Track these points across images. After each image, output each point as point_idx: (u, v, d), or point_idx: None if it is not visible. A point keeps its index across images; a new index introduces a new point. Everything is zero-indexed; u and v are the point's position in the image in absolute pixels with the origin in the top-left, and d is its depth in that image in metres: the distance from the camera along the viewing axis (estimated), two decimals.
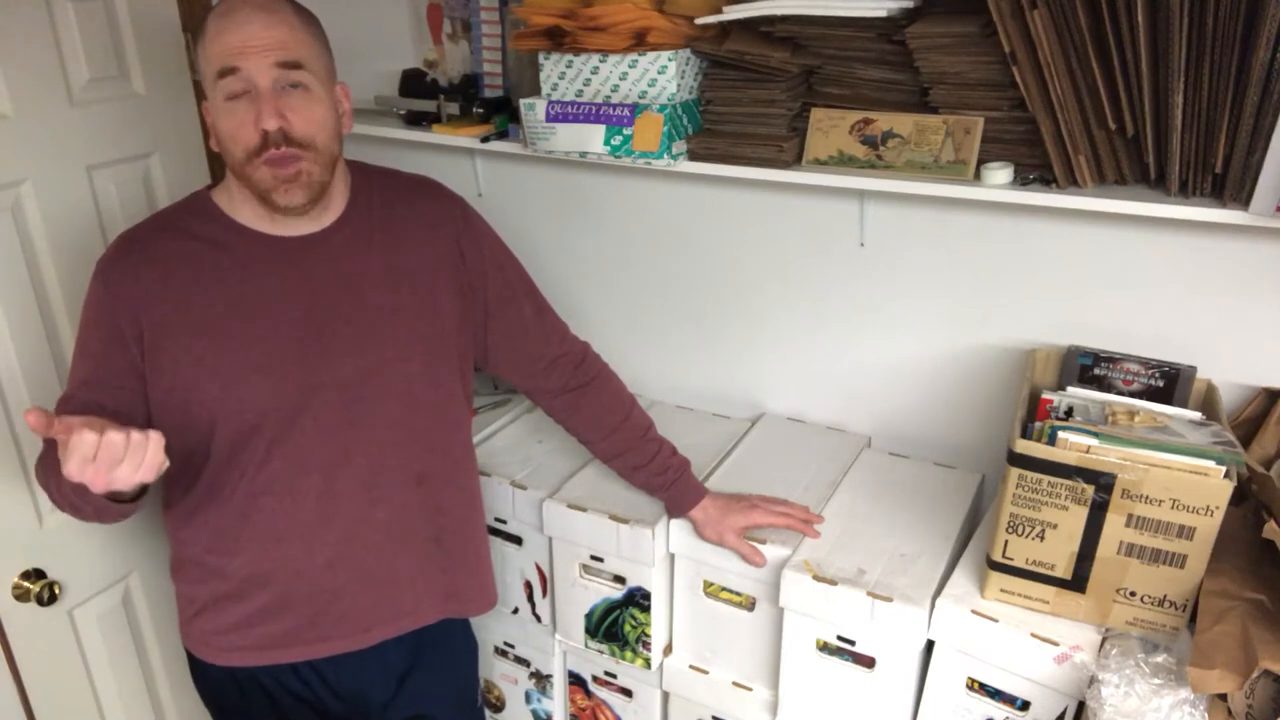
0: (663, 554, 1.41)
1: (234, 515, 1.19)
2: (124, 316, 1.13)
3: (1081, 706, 1.10)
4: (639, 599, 1.43)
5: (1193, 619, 1.05)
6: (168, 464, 0.98)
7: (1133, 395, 1.24)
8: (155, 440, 0.95)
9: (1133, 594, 1.10)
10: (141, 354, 1.14)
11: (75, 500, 1.09)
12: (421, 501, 1.28)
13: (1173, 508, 1.04)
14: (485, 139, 1.58)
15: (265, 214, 1.16)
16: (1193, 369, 1.22)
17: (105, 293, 1.14)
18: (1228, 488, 1.02)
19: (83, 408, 1.13)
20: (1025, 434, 1.14)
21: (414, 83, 1.70)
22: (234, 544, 1.20)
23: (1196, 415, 1.16)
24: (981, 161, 1.23)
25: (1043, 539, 1.12)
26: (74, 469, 0.92)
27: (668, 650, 1.51)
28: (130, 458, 0.93)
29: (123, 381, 1.15)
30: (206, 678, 1.31)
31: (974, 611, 1.17)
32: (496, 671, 1.72)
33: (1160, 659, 1.06)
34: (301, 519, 1.20)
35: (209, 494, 1.19)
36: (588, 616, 1.50)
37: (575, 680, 1.63)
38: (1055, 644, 1.12)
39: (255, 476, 1.18)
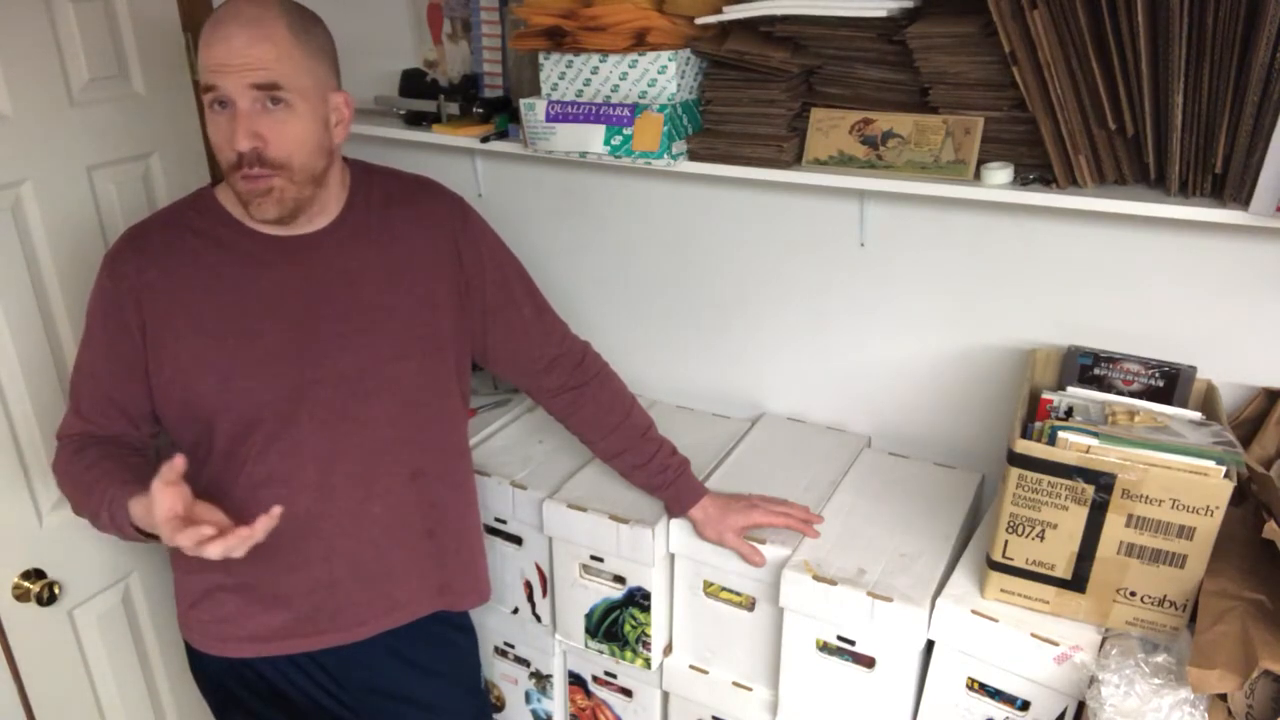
0: (663, 554, 1.41)
1: (233, 507, 1.19)
2: (128, 309, 1.15)
3: (1081, 706, 1.10)
4: (639, 599, 1.43)
5: (1193, 619, 1.05)
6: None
7: (1133, 395, 1.24)
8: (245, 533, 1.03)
9: (1133, 594, 1.10)
10: (144, 346, 1.16)
11: (109, 527, 1.14)
12: (416, 497, 1.28)
13: (1173, 508, 1.04)
14: (485, 139, 1.58)
15: None
16: (1193, 369, 1.22)
17: (110, 285, 1.17)
18: (1228, 488, 1.02)
19: (93, 403, 1.19)
20: (1025, 434, 1.14)
21: (414, 83, 1.70)
22: None
23: (1196, 415, 1.16)
24: (981, 161, 1.23)
25: (1043, 539, 1.12)
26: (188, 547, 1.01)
27: (668, 650, 1.50)
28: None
29: (129, 373, 1.18)
30: (204, 668, 1.32)
31: (974, 611, 1.17)
32: (496, 671, 1.72)
33: (1160, 659, 1.06)
34: (298, 512, 1.20)
35: (211, 485, 1.20)
36: (588, 616, 1.50)
37: (575, 680, 1.63)
38: (1055, 644, 1.12)
39: (253, 470, 1.19)
